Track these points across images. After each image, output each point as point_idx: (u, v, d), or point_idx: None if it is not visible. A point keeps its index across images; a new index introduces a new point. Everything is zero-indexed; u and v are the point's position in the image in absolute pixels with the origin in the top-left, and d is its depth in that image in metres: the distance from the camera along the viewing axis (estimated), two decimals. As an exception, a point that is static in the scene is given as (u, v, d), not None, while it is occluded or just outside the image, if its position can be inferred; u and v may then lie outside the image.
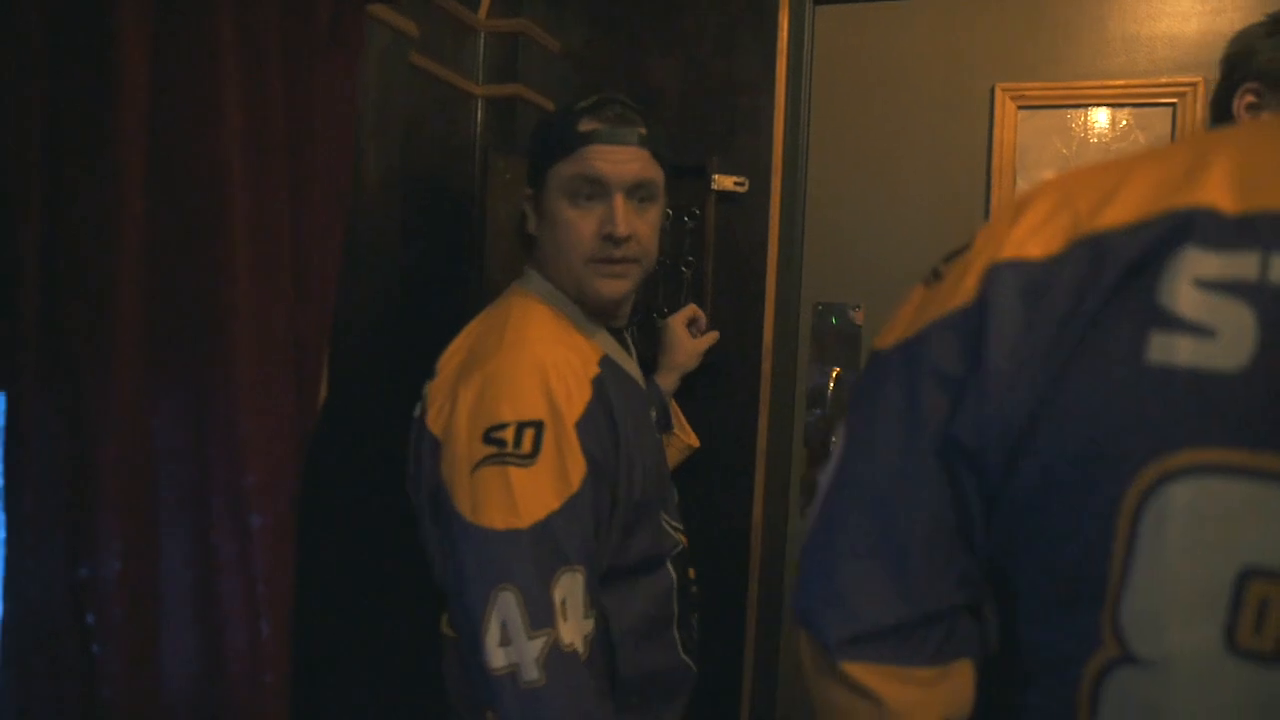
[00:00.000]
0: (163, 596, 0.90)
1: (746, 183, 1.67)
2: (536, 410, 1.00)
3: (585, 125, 1.10)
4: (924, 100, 1.69)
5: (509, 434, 0.97)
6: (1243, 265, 0.52)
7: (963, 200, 1.66)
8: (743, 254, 1.69)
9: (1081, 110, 1.62)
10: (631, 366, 1.21)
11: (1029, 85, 1.63)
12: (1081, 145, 1.62)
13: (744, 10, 1.69)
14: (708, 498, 1.65)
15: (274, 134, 0.99)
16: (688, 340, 1.55)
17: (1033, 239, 0.58)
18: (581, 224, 1.09)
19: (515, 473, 0.97)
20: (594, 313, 1.16)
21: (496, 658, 0.94)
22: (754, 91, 1.69)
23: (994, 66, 1.65)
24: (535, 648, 0.94)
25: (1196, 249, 0.52)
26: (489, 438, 0.98)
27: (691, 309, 1.59)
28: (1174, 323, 0.52)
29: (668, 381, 1.51)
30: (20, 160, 0.76)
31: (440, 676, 1.15)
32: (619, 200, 1.09)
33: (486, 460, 0.97)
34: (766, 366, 1.69)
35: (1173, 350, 0.52)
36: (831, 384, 1.71)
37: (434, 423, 1.03)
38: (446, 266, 1.59)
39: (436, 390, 1.06)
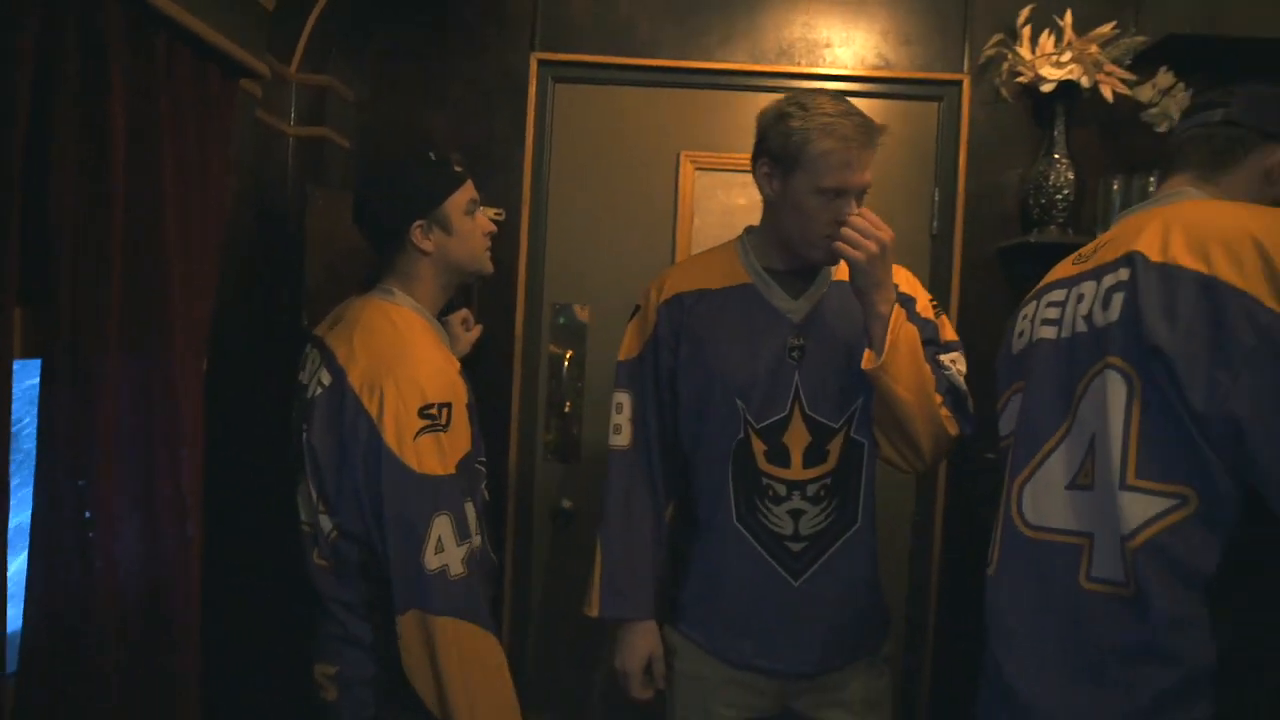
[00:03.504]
0: (130, 498, 1.30)
1: (503, 213, 2.23)
2: (446, 395, 1.47)
3: (457, 167, 1.61)
4: (632, 158, 2.33)
5: (435, 410, 1.44)
6: None
7: (658, 230, 2.33)
8: (500, 267, 2.24)
9: (737, 173, 2.34)
10: None
11: (703, 154, 2.33)
12: (739, 196, 2.34)
13: (501, 83, 2.25)
14: (475, 450, 2.19)
15: (192, 176, 1.41)
16: (463, 335, 2.02)
17: None
18: (481, 225, 1.62)
19: (442, 437, 1.44)
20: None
21: (431, 562, 1.40)
22: (508, 145, 2.25)
23: (680, 138, 2.32)
24: (461, 553, 1.43)
25: None
26: (423, 413, 1.42)
27: (464, 312, 2.09)
28: None
29: None
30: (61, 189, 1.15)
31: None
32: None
33: (424, 430, 1.42)
34: (518, 350, 2.26)
35: None
36: (565, 363, 2.31)
37: (370, 405, 1.41)
38: (269, 273, 1.98)
39: (359, 381, 1.44)
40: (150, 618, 1.34)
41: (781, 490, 1.56)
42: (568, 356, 2.32)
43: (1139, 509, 0.97)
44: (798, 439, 1.56)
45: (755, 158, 1.59)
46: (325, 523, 1.51)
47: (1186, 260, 0.98)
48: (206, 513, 1.48)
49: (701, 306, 1.63)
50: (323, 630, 1.55)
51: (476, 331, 2.05)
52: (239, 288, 1.84)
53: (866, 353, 1.45)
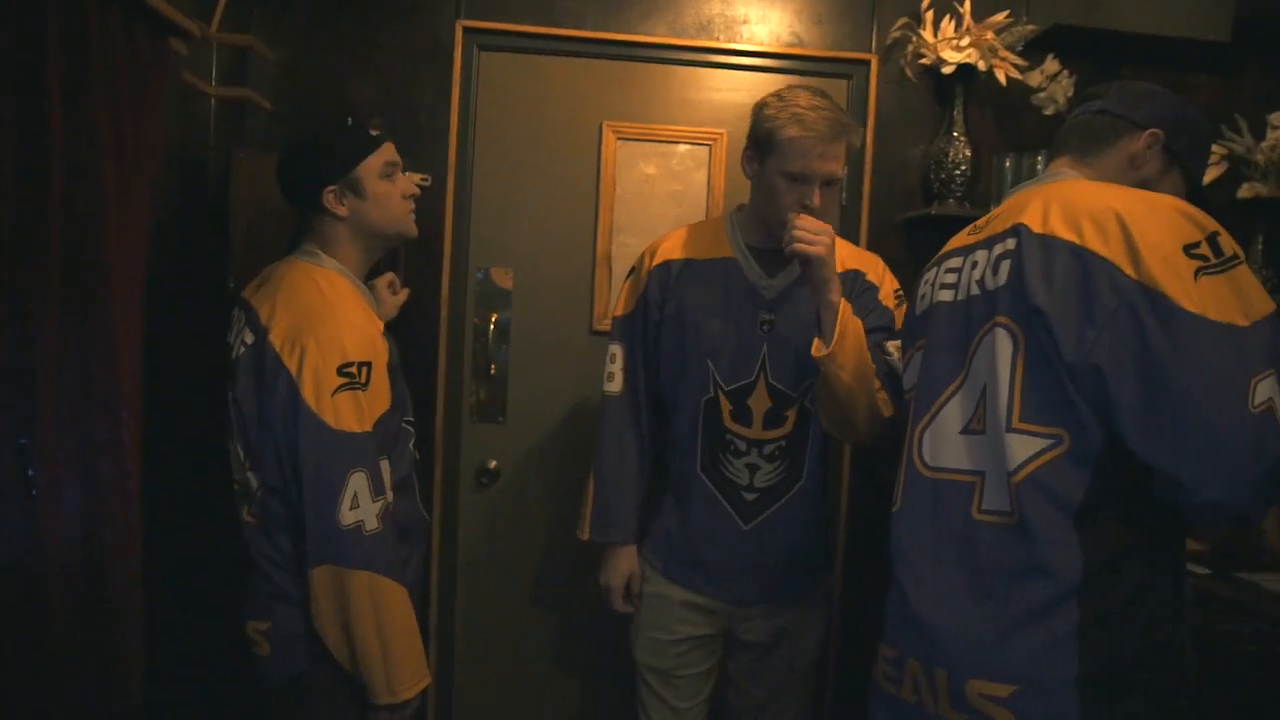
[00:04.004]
0: (71, 459, 1.31)
1: (429, 179, 2.26)
2: (367, 354, 1.52)
3: (374, 130, 1.66)
4: (556, 127, 2.38)
5: (354, 369, 1.48)
6: None
7: (580, 199, 2.39)
8: (426, 232, 2.26)
9: (657, 143, 2.42)
10: None
11: (625, 124, 2.39)
12: (658, 166, 2.42)
13: (426, 50, 2.27)
14: (403, 412, 2.23)
15: (126, 135, 1.41)
16: (389, 298, 2.05)
17: None
18: (402, 188, 1.67)
19: (360, 395, 1.48)
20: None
21: (347, 517, 1.44)
22: (434, 112, 2.28)
23: (602, 109, 2.39)
24: (376, 509, 1.48)
25: None
26: (342, 371, 1.46)
27: (390, 275, 2.11)
28: None
29: None
30: None
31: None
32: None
33: (342, 387, 1.46)
34: (444, 313, 2.31)
35: None
36: (491, 326, 2.36)
37: (290, 362, 1.45)
38: (194, 235, 1.97)
39: (280, 340, 1.47)
40: (94, 572, 1.36)
41: (742, 446, 1.74)
42: (493, 320, 2.37)
43: (1021, 448, 1.11)
44: (760, 403, 1.74)
45: (746, 144, 1.76)
46: (253, 479, 1.55)
47: (1062, 232, 1.11)
48: (144, 471, 1.50)
49: (687, 274, 1.80)
50: (254, 587, 1.59)
51: (404, 294, 2.09)
52: (165, 249, 1.84)
53: (816, 341, 1.59)
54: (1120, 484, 1.08)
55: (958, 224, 1.55)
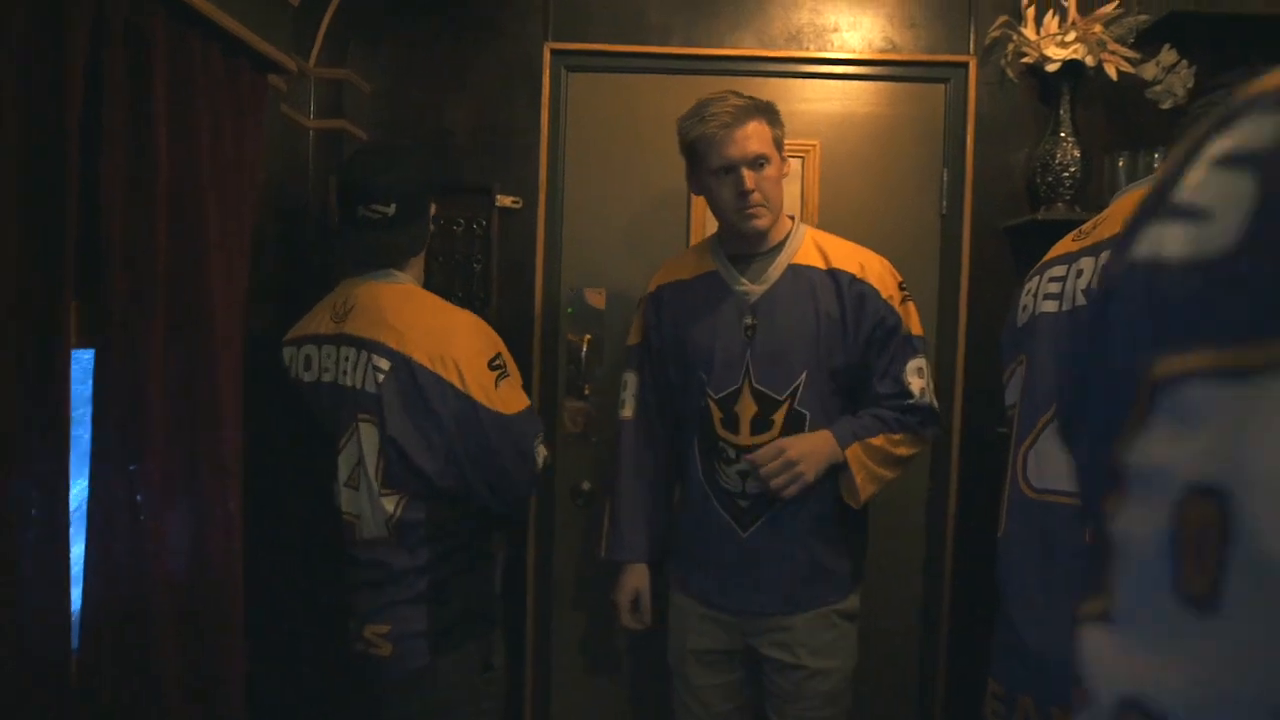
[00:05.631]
0: (177, 480, 1.36)
1: (520, 201, 2.28)
2: (497, 345, 1.68)
3: None
4: (645, 143, 2.37)
5: (498, 360, 1.65)
6: None
7: (671, 216, 2.38)
8: (518, 253, 2.30)
9: (747, 157, 2.38)
10: None
11: (713, 138, 2.36)
12: (747, 181, 2.38)
13: (517, 73, 2.30)
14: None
15: (227, 171, 1.47)
16: None
17: None
18: None
19: (511, 380, 1.67)
20: None
21: (536, 469, 1.68)
22: (525, 134, 2.30)
23: (690, 124, 2.37)
24: (543, 451, 1.71)
25: None
26: (492, 366, 1.63)
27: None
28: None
29: None
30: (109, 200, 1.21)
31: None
32: None
33: (498, 379, 1.63)
34: (537, 333, 2.32)
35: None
36: (585, 347, 2.36)
37: (450, 376, 1.58)
38: (293, 263, 2.04)
39: (429, 359, 1.57)
40: (198, 591, 1.41)
41: (732, 453, 1.77)
42: (586, 340, 2.37)
43: None
44: (747, 409, 1.76)
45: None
46: (387, 505, 1.60)
47: None
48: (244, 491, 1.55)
49: (677, 294, 1.88)
50: (370, 598, 1.65)
51: None
52: (265, 278, 1.90)
53: (849, 500, 1.73)
54: None
55: (1066, 229, 1.46)
